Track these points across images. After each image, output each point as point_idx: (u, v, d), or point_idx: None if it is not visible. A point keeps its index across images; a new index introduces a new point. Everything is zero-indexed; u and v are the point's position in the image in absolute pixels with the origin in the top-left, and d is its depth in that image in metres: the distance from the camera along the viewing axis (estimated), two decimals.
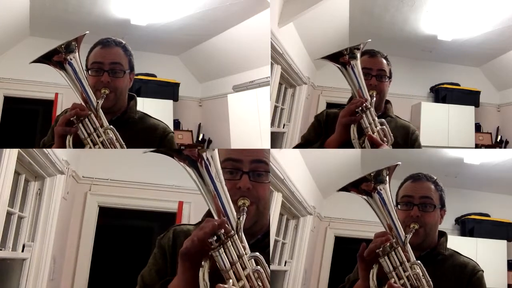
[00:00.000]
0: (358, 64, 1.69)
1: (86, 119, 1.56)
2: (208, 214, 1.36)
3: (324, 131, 1.89)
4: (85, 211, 3.84)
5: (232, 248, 1.12)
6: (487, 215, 5.20)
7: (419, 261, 1.41)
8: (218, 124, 5.20)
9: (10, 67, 4.61)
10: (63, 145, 1.56)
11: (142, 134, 1.77)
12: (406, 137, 1.88)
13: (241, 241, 1.15)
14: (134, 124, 1.77)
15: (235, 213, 1.17)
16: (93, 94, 1.59)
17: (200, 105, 5.69)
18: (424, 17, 4.30)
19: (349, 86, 1.73)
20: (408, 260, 1.39)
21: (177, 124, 5.41)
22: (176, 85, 5.34)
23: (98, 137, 1.58)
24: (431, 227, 1.61)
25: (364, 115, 1.67)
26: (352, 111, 1.67)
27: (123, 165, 3.95)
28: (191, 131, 5.49)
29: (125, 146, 1.62)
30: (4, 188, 2.26)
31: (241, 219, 1.17)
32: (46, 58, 1.54)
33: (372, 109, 1.70)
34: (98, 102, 1.59)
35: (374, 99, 1.72)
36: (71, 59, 1.55)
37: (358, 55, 1.69)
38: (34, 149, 2.53)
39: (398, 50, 5.25)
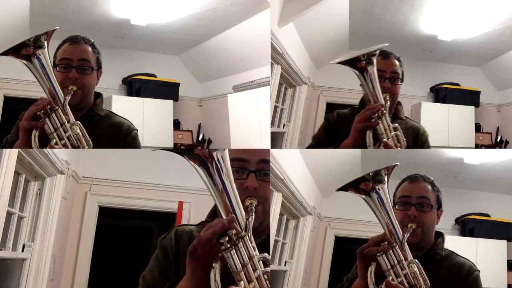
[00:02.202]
0: (374, 69, 1.69)
1: (53, 114, 1.55)
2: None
3: (335, 131, 1.88)
4: (85, 211, 3.84)
5: (243, 249, 1.11)
6: (487, 215, 5.20)
7: (416, 260, 1.42)
8: (218, 124, 5.20)
9: (10, 67, 4.60)
10: (28, 141, 1.54)
11: (107, 131, 1.78)
12: (416, 139, 1.88)
13: (251, 242, 1.13)
14: (100, 122, 1.78)
15: (244, 213, 1.15)
16: (60, 90, 1.58)
17: (200, 105, 5.68)
18: (424, 17, 4.29)
19: (364, 90, 1.73)
20: (406, 259, 1.40)
21: (177, 124, 5.41)
22: (176, 85, 5.34)
23: (65, 132, 1.56)
24: (428, 227, 1.62)
25: (379, 121, 1.68)
26: (368, 117, 1.68)
27: (123, 165, 3.95)
28: (191, 131, 5.48)
29: (90, 142, 1.61)
30: (4, 188, 2.26)
31: (249, 219, 1.16)
32: (14, 51, 1.54)
33: (387, 115, 1.70)
34: (65, 98, 1.58)
35: (388, 103, 1.73)
36: (39, 54, 1.54)
37: (375, 60, 1.69)
38: (34, 149, 2.53)
39: (398, 50, 5.24)
